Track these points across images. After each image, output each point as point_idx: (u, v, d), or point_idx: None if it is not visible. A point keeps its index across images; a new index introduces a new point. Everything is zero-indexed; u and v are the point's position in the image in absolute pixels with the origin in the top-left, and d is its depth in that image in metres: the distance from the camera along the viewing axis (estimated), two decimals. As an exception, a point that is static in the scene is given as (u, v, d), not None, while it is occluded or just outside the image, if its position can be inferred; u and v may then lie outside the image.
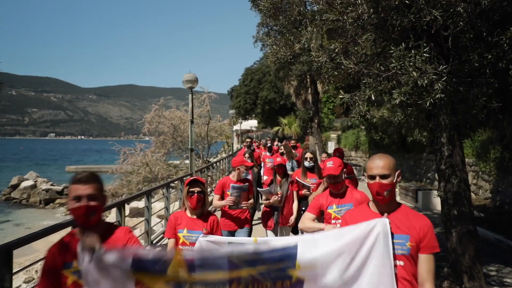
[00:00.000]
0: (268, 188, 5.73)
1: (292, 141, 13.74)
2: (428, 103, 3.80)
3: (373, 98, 4.02)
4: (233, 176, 5.38)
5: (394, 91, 3.93)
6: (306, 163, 5.98)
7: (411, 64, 3.48)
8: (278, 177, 5.87)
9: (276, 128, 38.74)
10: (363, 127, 27.20)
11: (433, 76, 3.45)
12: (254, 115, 46.16)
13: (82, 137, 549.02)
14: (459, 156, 4.80)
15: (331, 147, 28.78)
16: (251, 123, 46.95)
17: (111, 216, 14.73)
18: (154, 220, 11.15)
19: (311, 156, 6.13)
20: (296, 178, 5.90)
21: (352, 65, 4.11)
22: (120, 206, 6.23)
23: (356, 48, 4.59)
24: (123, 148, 21.44)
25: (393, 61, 3.64)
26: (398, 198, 14.25)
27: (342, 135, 32.70)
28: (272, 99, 39.91)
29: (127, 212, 16.91)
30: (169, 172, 21.77)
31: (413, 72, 3.44)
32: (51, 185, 36.84)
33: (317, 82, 18.91)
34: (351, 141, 28.75)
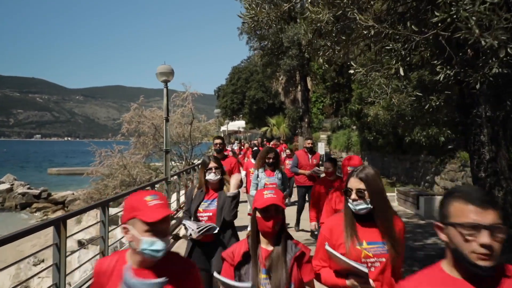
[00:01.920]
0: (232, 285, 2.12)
1: (308, 141, 9.08)
2: (478, 82, 2.52)
3: (401, 73, 2.71)
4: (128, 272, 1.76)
5: (435, 61, 2.63)
6: (353, 205, 2.26)
7: (469, 14, 2.19)
8: (263, 243, 2.30)
9: (264, 129, 37.45)
10: (354, 127, 26.07)
11: (502, 37, 2.18)
12: (241, 115, 44.78)
13: (69, 138, 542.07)
14: (505, 160, 3.53)
15: (321, 148, 27.49)
16: (238, 124, 45.58)
17: (47, 240, 12.62)
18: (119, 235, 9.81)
19: (363, 188, 2.26)
20: (329, 249, 2.23)
21: (372, 23, 2.78)
22: (59, 223, 4.81)
23: (372, 2, 3.22)
24: (98, 149, 19.96)
25: (437, 13, 2.33)
26: (396, 204, 13.01)
27: (332, 136, 31.54)
28: (260, 99, 38.58)
29: (83, 224, 15.46)
30: (149, 175, 20.38)
31: (475, 27, 2.15)
32: (28, 188, 35.24)
33: (307, 78, 17.63)
34: (342, 142, 27.57)
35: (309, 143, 9.02)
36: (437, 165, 14.17)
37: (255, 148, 12.99)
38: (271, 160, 6.49)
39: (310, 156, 8.71)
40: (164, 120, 10.42)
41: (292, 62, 15.27)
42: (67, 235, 5.01)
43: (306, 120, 16.24)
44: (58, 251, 4.76)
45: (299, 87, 18.45)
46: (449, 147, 14.21)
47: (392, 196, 14.26)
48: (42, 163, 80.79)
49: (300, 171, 8.65)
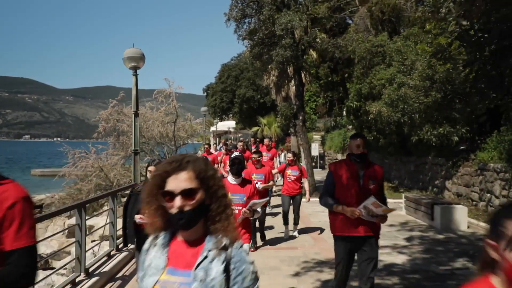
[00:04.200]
0: None
1: (357, 142, 4.08)
2: None
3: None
4: None
5: None
6: None
7: None
8: None
9: (255, 129, 35.74)
10: (350, 126, 24.51)
11: None
12: (231, 114, 43.01)
13: (58, 139, 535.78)
14: None
15: (315, 149, 25.95)
16: (228, 124, 43.88)
17: None
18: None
19: None
20: None
21: None
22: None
23: None
24: (71, 150, 18.15)
25: None
26: (403, 212, 11.37)
27: (326, 136, 30.01)
28: (251, 97, 36.79)
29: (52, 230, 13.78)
30: (129, 178, 18.61)
31: None
32: (5, 191, 33.25)
33: (302, 71, 15.97)
34: (337, 143, 26.03)
35: (358, 145, 4.02)
36: (448, 168, 12.60)
37: (236, 154, 10.04)
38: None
39: (361, 172, 4.05)
40: (133, 115, 8.76)
41: (286, 53, 13.60)
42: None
43: (300, 117, 14.55)
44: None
45: (292, 82, 16.80)
46: (461, 147, 12.66)
47: (398, 204, 12.65)
48: (27, 164, 78.75)
49: (341, 209, 4.01)
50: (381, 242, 8.32)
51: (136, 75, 8.57)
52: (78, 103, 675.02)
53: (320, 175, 21.43)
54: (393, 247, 7.89)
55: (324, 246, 8.00)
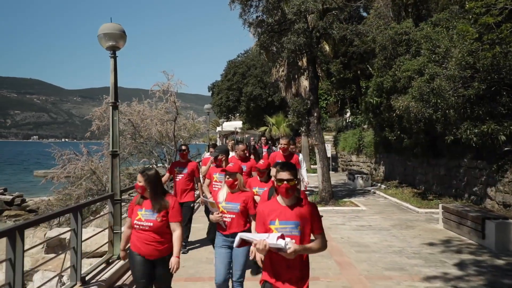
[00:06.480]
0: None
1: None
2: None
3: None
4: None
5: None
6: None
7: None
8: None
9: (262, 129, 33.92)
10: (365, 126, 22.64)
11: None
12: (238, 113, 41.19)
13: (66, 139, 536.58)
14: None
15: (327, 150, 24.03)
16: (235, 124, 42.21)
17: None
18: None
19: None
20: None
21: None
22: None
23: None
24: (59, 151, 16.43)
25: None
26: (440, 226, 9.43)
27: (339, 136, 28.07)
28: (258, 95, 34.97)
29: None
30: (123, 182, 16.88)
31: None
32: (1, 194, 31.77)
33: (316, 61, 14.14)
34: (351, 143, 24.11)
35: None
36: (491, 173, 10.70)
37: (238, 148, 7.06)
38: None
39: None
40: (111, 108, 7.01)
41: (299, 39, 11.79)
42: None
43: (315, 114, 12.70)
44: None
45: (304, 76, 14.99)
46: (506, 148, 10.77)
47: (433, 214, 10.81)
48: (31, 165, 78.02)
49: None
50: (426, 270, 6.52)
51: (114, 57, 6.80)
52: (86, 103, 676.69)
53: (333, 178, 19.59)
54: (444, 278, 6.05)
55: (353, 276, 6.19)
